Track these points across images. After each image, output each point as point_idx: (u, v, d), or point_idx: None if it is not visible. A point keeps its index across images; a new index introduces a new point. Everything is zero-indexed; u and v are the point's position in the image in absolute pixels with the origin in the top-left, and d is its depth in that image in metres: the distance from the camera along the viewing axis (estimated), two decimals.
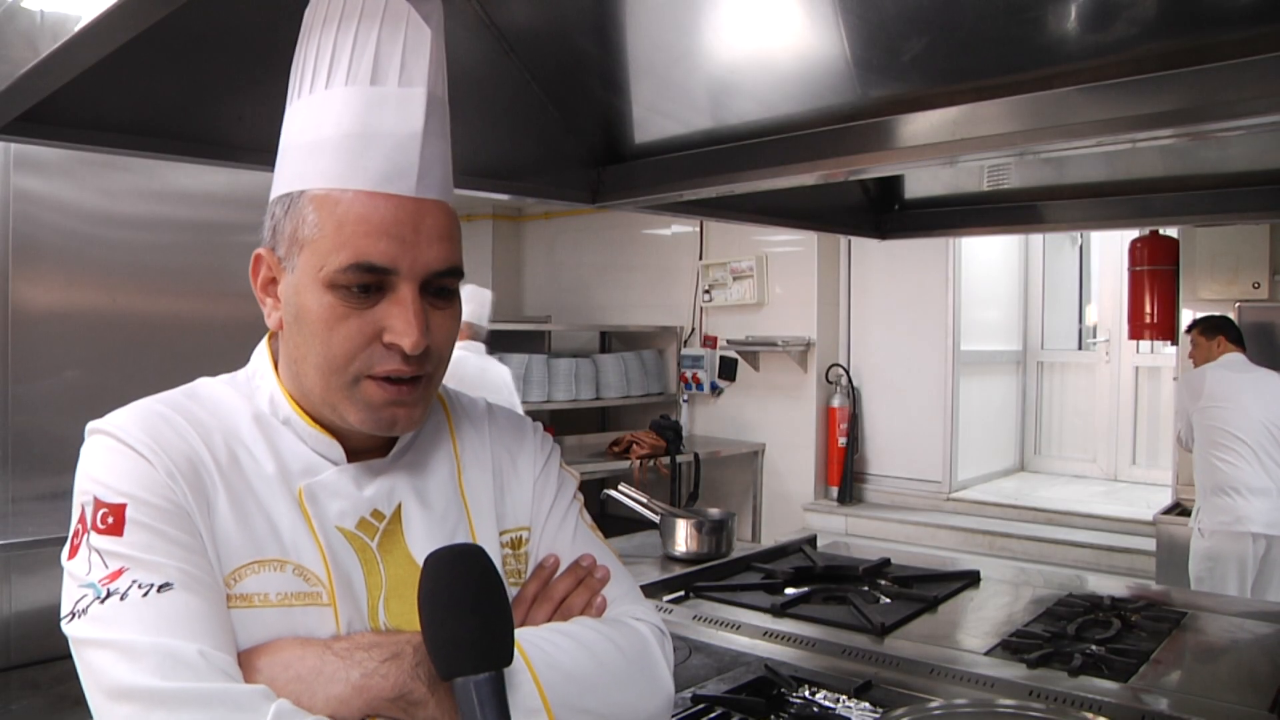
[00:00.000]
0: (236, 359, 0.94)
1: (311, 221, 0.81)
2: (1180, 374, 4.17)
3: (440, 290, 0.84)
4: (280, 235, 0.84)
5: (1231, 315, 4.01)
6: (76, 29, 0.84)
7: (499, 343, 5.14)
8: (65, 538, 0.79)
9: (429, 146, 0.83)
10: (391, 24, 0.83)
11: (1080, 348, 6.04)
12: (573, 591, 0.95)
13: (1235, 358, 3.83)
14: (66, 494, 0.80)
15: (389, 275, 0.80)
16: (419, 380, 0.84)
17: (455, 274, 0.85)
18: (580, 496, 1.05)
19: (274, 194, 0.86)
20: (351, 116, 0.81)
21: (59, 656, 1.83)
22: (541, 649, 0.84)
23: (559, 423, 5.61)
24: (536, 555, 0.98)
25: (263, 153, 1.29)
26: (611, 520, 2.39)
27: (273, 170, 0.87)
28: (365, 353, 0.82)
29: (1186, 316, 4.18)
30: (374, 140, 0.81)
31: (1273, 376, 3.79)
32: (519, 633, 0.81)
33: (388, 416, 0.84)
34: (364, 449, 0.89)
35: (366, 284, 0.80)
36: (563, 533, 0.99)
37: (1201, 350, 3.90)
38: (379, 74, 0.82)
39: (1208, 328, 3.91)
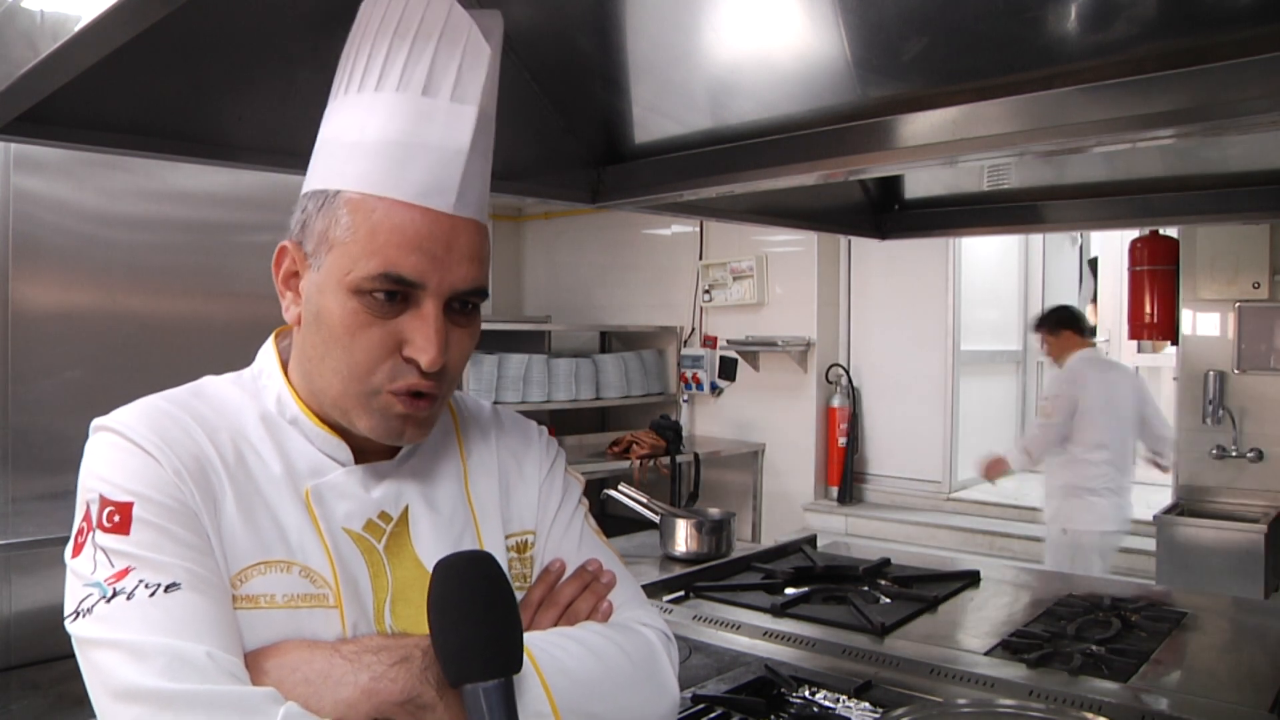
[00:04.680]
0: (236, 359, 0.94)
1: (345, 224, 0.80)
2: (1054, 371, 4.16)
3: (462, 307, 0.84)
4: (310, 231, 0.83)
5: (1231, 315, 4.01)
6: (76, 29, 0.84)
7: (500, 343, 5.14)
8: (66, 537, 0.78)
9: (472, 165, 0.82)
10: (451, 36, 0.82)
11: None
12: (579, 596, 0.95)
13: (1091, 353, 3.89)
14: (67, 494, 0.80)
15: (415, 289, 0.80)
16: (432, 397, 0.84)
17: (480, 294, 0.84)
18: (585, 501, 1.05)
19: (308, 188, 0.85)
20: (398, 124, 0.81)
21: (59, 656, 1.84)
22: (549, 653, 0.84)
23: (559, 423, 5.60)
24: (542, 559, 0.97)
25: (263, 153, 1.29)
26: (611, 520, 2.39)
27: (273, 170, 0.88)
28: (387, 365, 0.81)
29: (1187, 316, 4.17)
30: (418, 151, 0.80)
31: (1128, 373, 3.90)
32: (526, 637, 0.81)
33: (397, 428, 0.84)
34: (370, 451, 0.89)
35: (391, 292, 0.80)
36: (568, 537, 0.99)
37: (1055, 346, 3.96)
38: (432, 85, 0.81)
39: (1055, 322, 3.96)
